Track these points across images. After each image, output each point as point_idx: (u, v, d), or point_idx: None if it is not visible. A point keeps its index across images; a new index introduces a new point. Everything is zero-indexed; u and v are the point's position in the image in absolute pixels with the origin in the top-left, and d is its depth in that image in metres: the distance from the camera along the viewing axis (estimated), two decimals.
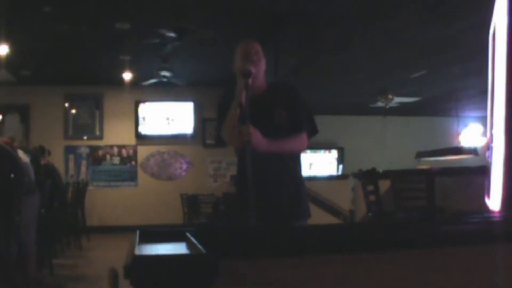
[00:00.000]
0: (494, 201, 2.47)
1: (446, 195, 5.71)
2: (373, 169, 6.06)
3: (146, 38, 8.96)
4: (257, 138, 3.15)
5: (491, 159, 2.59)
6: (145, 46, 9.34)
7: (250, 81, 3.24)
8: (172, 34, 8.55)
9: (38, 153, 8.57)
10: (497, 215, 2.39)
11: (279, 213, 3.32)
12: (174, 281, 1.10)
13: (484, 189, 2.82)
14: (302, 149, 3.51)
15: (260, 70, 3.39)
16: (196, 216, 11.00)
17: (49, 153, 10.17)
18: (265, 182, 3.27)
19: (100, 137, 13.97)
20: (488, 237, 1.54)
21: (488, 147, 2.72)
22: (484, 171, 3.20)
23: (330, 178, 12.40)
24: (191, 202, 11.88)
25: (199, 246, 1.24)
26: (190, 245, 1.39)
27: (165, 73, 10.93)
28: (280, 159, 3.38)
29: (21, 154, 6.25)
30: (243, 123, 3.16)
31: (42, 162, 8.61)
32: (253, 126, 3.14)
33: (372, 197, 6.14)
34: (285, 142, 3.37)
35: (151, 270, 1.09)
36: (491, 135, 2.62)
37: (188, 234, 1.45)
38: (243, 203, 3.20)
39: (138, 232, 1.57)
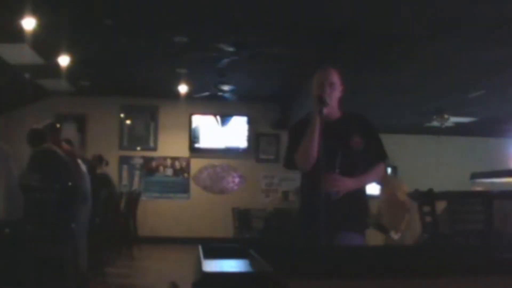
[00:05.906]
0: None
1: (505, 219, 5.57)
2: (430, 190, 5.97)
3: (203, 52, 9.04)
4: (345, 185, 3.28)
5: None
6: (201, 60, 9.42)
7: (325, 109, 3.33)
8: (229, 49, 8.60)
9: (95, 163, 8.71)
10: None
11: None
12: None
13: None
14: (381, 178, 3.67)
15: (333, 98, 3.47)
16: (247, 231, 11.00)
17: (107, 163, 10.30)
18: (337, 209, 3.24)
19: (154, 149, 14.14)
20: None
21: None
22: None
23: None
24: (242, 217, 11.89)
25: (265, 264, 1.23)
26: (254, 262, 1.38)
27: (221, 87, 11.00)
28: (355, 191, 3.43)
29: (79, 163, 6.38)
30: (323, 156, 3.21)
31: (98, 171, 8.74)
32: (329, 151, 3.22)
33: (428, 219, 6.04)
34: (369, 176, 3.51)
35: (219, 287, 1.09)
36: None
37: (251, 251, 1.44)
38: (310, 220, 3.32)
39: (200, 247, 1.57)
